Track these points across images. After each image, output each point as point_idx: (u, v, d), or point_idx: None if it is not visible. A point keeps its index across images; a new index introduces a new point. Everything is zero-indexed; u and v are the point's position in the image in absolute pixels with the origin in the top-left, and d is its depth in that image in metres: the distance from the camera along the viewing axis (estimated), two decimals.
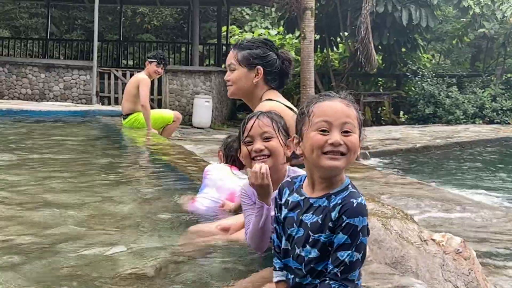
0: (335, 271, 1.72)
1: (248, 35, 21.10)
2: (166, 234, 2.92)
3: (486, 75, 18.56)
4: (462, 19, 19.56)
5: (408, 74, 18.03)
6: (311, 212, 1.81)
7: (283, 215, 1.90)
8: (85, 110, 10.47)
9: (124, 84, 12.00)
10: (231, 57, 3.03)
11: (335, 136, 1.74)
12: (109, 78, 14.22)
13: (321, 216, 1.78)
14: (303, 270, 1.81)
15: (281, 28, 20.38)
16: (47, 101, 13.41)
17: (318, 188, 1.82)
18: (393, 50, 18.11)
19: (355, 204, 1.74)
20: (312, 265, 1.79)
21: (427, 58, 20.70)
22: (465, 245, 3.16)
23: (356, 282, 1.75)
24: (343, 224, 1.73)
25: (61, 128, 8.35)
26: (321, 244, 1.77)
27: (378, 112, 17.72)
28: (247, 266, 2.39)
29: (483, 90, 17.42)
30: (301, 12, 13.83)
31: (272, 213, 2.06)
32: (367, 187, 6.49)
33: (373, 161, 9.87)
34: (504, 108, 16.79)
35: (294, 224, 1.84)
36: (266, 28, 22.85)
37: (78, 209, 3.43)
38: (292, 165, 2.46)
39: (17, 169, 4.77)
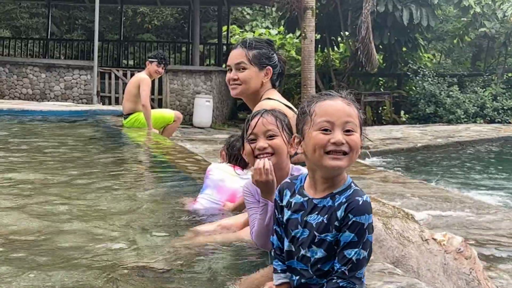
0: (342, 269, 1.73)
1: (249, 35, 21.09)
2: (168, 233, 2.92)
3: (487, 74, 18.52)
4: (462, 19, 19.53)
5: (409, 73, 18.00)
6: (316, 212, 1.80)
7: (285, 217, 1.89)
8: (85, 110, 10.46)
9: (124, 84, 11.99)
10: (241, 56, 2.97)
11: (338, 136, 1.74)
12: (109, 78, 14.22)
13: (326, 216, 1.78)
14: (310, 271, 1.81)
15: (282, 28, 20.35)
16: (48, 101, 13.40)
17: (321, 188, 1.82)
18: (394, 49, 18.10)
19: (360, 202, 1.74)
20: (319, 265, 1.79)
21: (428, 57, 20.67)
22: (466, 244, 3.17)
23: (362, 279, 1.75)
24: (350, 222, 1.73)
25: (62, 128, 8.35)
26: (327, 244, 1.76)
27: (379, 111, 17.71)
28: (251, 264, 2.39)
29: (484, 89, 17.39)
30: (302, 11, 13.84)
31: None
32: (367, 186, 6.48)
33: (374, 161, 9.87)
34: (505, 107, 16.76)
35: (299, 226, 1.83)
36: (267, 27, 22.83)
37: (78, 208, 3.43)
38: (291, 163, 2.44)
39: (18, 168, 4.78)
